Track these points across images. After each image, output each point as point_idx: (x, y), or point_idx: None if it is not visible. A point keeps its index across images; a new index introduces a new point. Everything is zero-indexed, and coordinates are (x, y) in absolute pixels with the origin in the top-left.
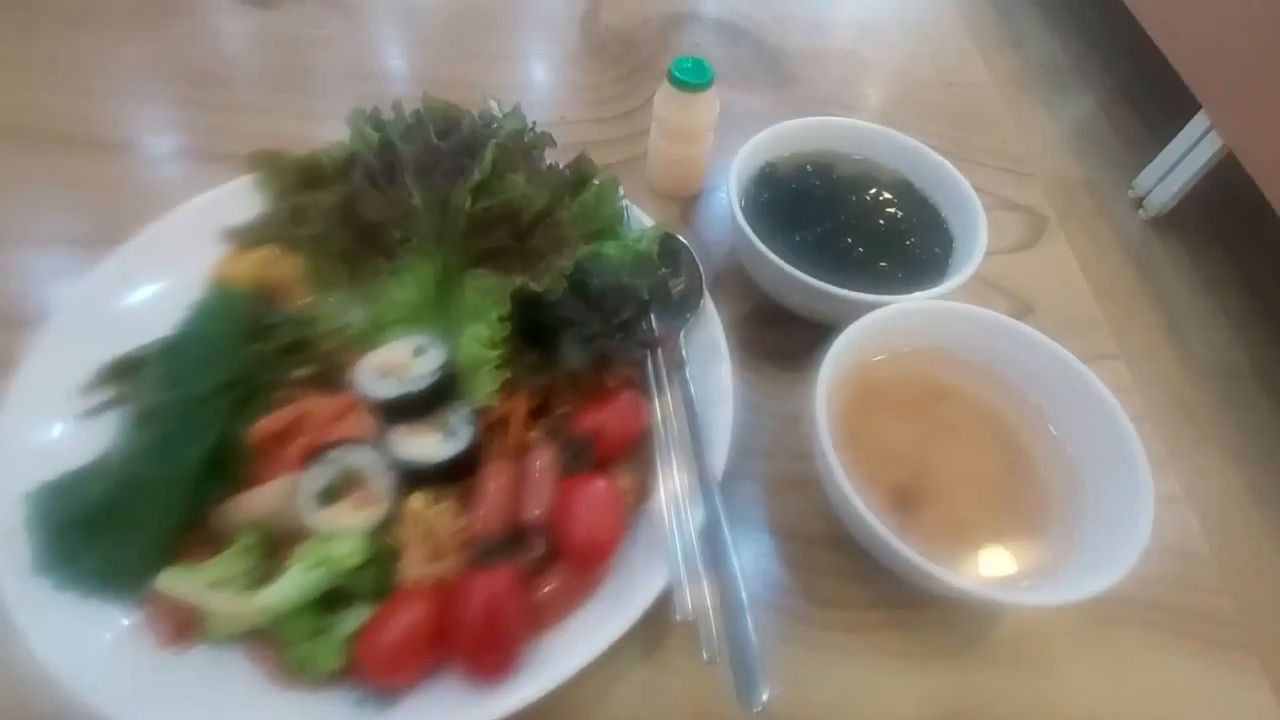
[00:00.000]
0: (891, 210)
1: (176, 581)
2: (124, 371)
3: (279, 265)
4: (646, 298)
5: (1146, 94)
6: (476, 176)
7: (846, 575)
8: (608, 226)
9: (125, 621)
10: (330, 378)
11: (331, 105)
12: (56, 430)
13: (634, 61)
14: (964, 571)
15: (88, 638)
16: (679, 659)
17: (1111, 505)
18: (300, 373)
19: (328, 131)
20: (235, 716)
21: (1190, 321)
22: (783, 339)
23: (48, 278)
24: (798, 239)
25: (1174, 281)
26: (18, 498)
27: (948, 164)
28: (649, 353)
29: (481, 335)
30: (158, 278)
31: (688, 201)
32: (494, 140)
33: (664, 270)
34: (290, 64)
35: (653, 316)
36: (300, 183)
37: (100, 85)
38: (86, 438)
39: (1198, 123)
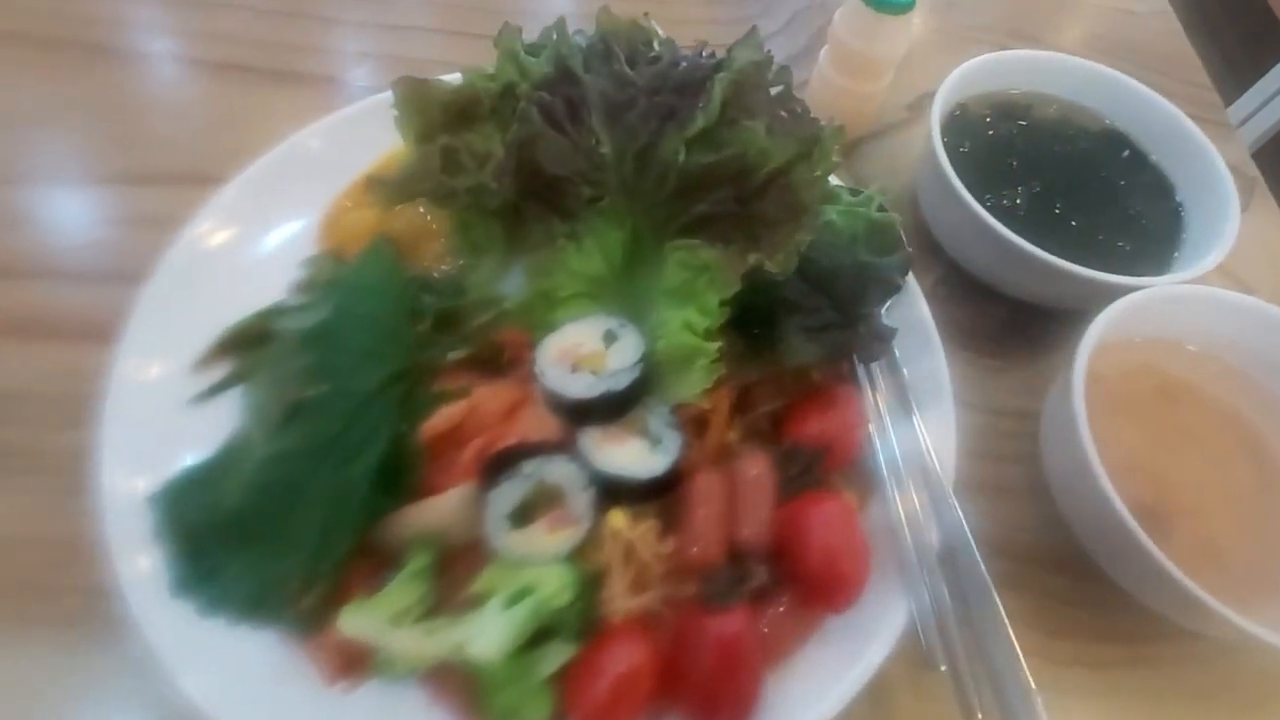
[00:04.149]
0: (1106, 170)
1: (358, 621)
2: (243, 343)
3: (406, 219)
4: (899, 282)
5: (1230, 27)
6: (699, 123)
7: (1076, 601)
8: (826, 185)
9: (282, 652)
10: (483, 360)
11: (409, 16)
12: (169, 414)
13: None
14: (1221, 600)
15: (241, 672)
16: (907, 704)
17: None
18: (454, 355)
19: (404, 47)
20: None
21: None
22: (976, 317)
23: (139, 225)
24: (1005, 203)
25: None
26: (141, 501)
27: (1182, 116)
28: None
29: (695, 322)
30: (262, 228)
31: (849, 145)
32: (724, 75)
33: (909, 248)
34: None
35: None
36: (448, 121)
37: None
38: (203, 422)
39: None
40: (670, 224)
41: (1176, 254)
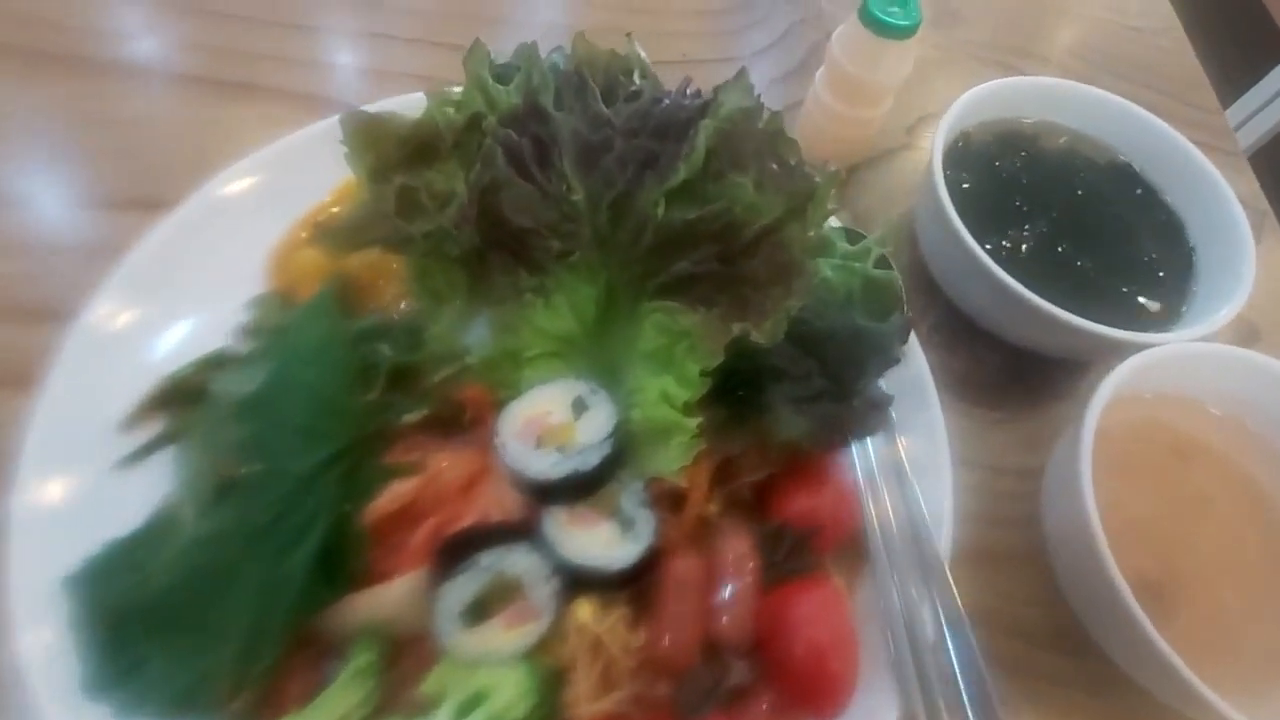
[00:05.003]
0: (1116, 209)
1: None
2: (176, 399)
3: (364, 256)
4: (898, 356)
5: (1225, 27)
6: (681, 174)
7: (1075, 682)
8: (820, 238)
9: None
10: (443, 419)
11: (388, 24)
12: (91, 479)
13: None
14: (1230, 691)
15: None
16: None
17: None
18: (410, 417)
19: (382, 58)
20: None
21: None
22: (973, 365)
23: (79, 254)
24: (1008, 244)
25: None
26: (55, 582)
27: (1192, 148)
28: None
29: (673, 394)
30: (205, 267)
31: (845, 172)
32: (709, 122)
33: (908, 310)
34: None
35: None
36: (407, 156)
37: None
38: (131, 487)
39: None
40: (648, 282)
41: (1185, 307)
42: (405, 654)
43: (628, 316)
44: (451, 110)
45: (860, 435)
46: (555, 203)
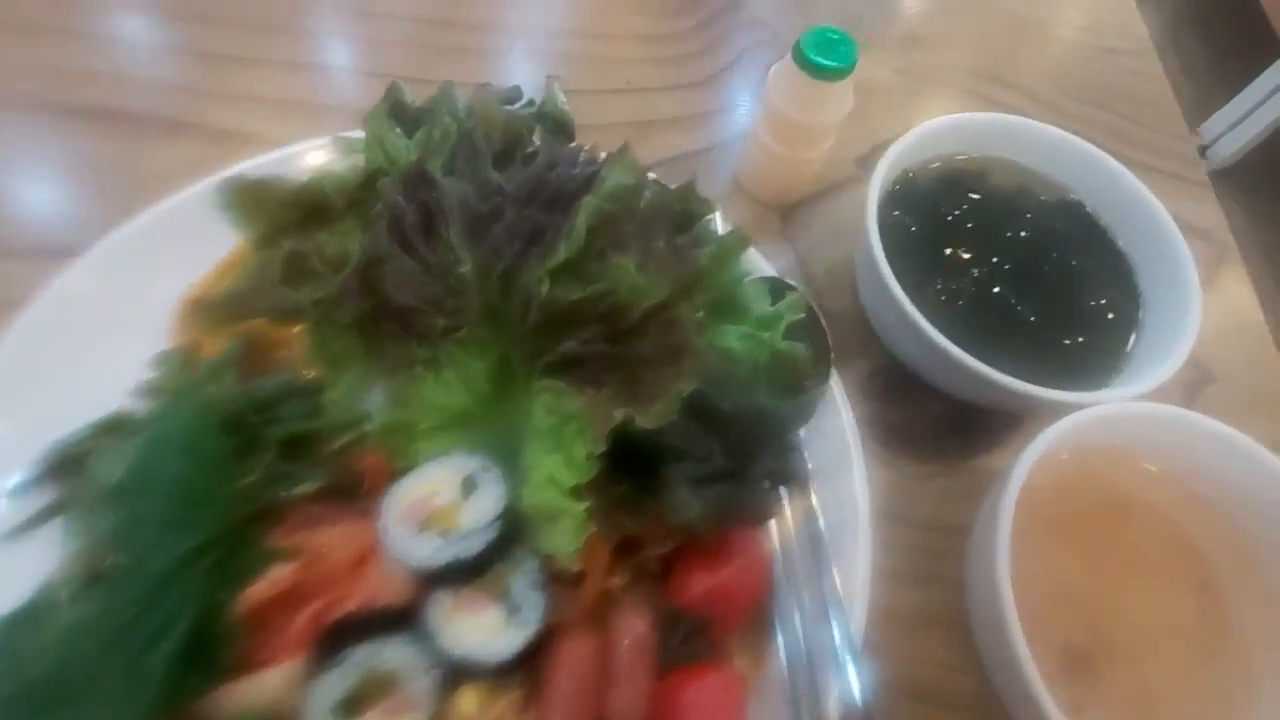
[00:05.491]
0: (1065, 253)
1: None
2: (67, 467)
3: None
4: (799, 443)
5: (1221, 27)
6: (562, 254)
7: None
8: (725, 296)
9: None
10: (340, 485)
11: (326, 54)
12: None
13: (718, 2)
14: None
15: None
16: None
17: None
18: (303, 489)
19: (321, 90)
20: None
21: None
22: (912, 417)
23: None
24: (949, 291)
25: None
26: None
27: (1143, 189)
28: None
29: (561, 478)
30: (104, 322)
31: (787, 209)
32: (591, 200)
33: (817, 380)
34: None
35: None
36: (299, 218)
37: (48, 21)
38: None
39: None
40: (535, 358)
41: (1129, 359)
42: None
43: (523, 391)
44: (352, 165)
45: (761, 520)
46: (440, 276)
